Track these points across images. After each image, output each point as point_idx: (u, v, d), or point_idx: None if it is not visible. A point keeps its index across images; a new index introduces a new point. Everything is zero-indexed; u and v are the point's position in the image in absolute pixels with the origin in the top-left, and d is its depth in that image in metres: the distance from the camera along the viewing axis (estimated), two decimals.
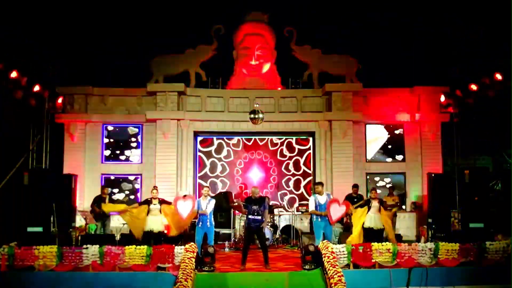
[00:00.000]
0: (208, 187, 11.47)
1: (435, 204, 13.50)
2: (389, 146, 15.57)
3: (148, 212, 10.84)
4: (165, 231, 11.10)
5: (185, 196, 11.73)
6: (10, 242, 9.83)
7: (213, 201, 10.80)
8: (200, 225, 10.64)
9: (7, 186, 12.16)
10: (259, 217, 10.31)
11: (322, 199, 10.66)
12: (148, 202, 11.02)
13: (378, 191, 12.19)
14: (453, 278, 9.48)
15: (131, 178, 15.26)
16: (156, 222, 10.88)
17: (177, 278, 8.95)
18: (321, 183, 11.21)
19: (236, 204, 13.88)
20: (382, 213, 11.17)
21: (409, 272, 9.48)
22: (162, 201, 11.02)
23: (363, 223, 11.07)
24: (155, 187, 11.33)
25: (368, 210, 11.18)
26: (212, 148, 15.87)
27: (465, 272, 9.59)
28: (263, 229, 10.61)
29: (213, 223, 10.86)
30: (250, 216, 10.34)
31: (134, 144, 15.34)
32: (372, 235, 10.95)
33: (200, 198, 10.86)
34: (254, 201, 10.38)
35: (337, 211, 10.62)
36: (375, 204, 11.21)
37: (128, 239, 10.81)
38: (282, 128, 15.40)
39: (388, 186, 14.86)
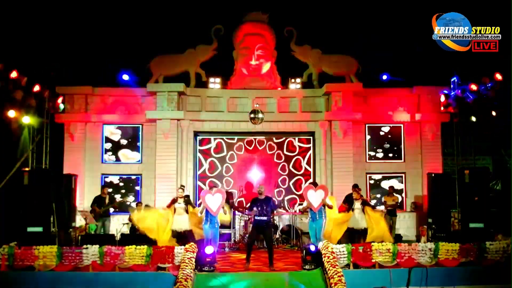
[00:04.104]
0: (216, 186, 11.40)
1: (435, 204, 13.50)
2: (389, 146, 15.55)
3: (174, 211, 10.92)
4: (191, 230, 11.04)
5: (211, 188, 11.35)
6: (10, 242, 9.84)
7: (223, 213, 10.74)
8: (208, 225, 10.61)
9: (7, 186, 12.17)
10: (265, 218, 10.34)
11: None
12: (174, 201, 11.10)
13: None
14: (453, 278, 9.49)
15: (131, 178, 15.26)
16: (182, 221, 10.87)
17: (177, 278, 8.96)
18: (315, 184, 11.26)
19: (238, 205, 13.93)
20: (371, 214, 11.09)
21: (409, 272, 9.49)
22: (187, 201, 11.11)
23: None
24: (181, 187, 11.42)
25: (352, 211, 11.14)
26: (211, 147, 15.88)
27: (465, 272, 9.60)
28: (270, 228, 10.62)
29: (219, 223, 10.86)
30: (257, 217, 10.36)
31: (134, 144, 15.32)
32: (353, 235, 10.95)
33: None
34: (261, 202, 10.40)
35: (315, 197, 10.56)
36: (358, 205, 11.15)
37: (128, 239, 10.83)
38: (282, 128, 15.41)
39: (388, 186, 14.86)
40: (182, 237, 10.70)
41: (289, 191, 15.68)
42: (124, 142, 15.32)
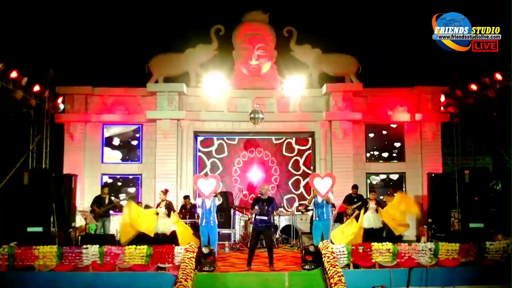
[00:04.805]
0: None
1: (435, 204, 13.49)
2: (389, 146, 15.55)
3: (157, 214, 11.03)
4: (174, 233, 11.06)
5: (207, 175, 11.53)
6: (10, 242, 9.84)
7: (217, 199, 10.73)
8: (204, 224, 10.58)
9: (7, 186, 12.16)
10: (266, 218, 10.30)
11: (320, 198, 10.80)
12: (158, 205, 11.31)
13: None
14: (453, 278, 9.51)
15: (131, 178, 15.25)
16: (164, 224, 10.88)
17: (177, 278, 8.97)
18: None
19: (238, 205, 13.94)
20: (387, 209, 11.22)
21: (409, 272, 9.50)
22: (168, 205, 11.08)
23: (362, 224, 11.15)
24: (161, 191, 11.42)
25: (366, 211, 11.24)
26: (213, 148, 15.96)
27: (465, 272, 9.61)
28: (270, 229, 10.60)
29: (216, 222, 10.83)
30: (257, 217, 10.32)
31: (134, 144, 15.31)
32: (373, 235, 10.99)
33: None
34: (263, 201, 10.37)
35: (323, 185, 10.62)
36: (372, 205, 11.28)
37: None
38: (282, 128, 15.40)
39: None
40: (164, 241, 10.63)
41: (302, 197, 15.73)
42: (124, 142, 15.30)
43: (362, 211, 11.32)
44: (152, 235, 10.78)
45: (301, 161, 16.05)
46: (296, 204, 15.22)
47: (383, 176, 15.46)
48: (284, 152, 16.11)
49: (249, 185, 15.70)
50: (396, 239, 10.95)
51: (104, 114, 15.13)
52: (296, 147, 16.15)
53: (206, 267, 9.80)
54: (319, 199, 10.69)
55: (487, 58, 11.79)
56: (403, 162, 15.45)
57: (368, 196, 11.74)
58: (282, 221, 14.20)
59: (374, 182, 15.37)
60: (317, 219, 10.75)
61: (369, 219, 11.18)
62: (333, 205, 13.09)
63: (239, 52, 15.58)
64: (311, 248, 10.00)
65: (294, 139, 16.09)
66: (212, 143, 15.97)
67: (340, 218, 13.15)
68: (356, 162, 15.22)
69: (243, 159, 16.02)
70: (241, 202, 15.01)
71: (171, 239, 10.86)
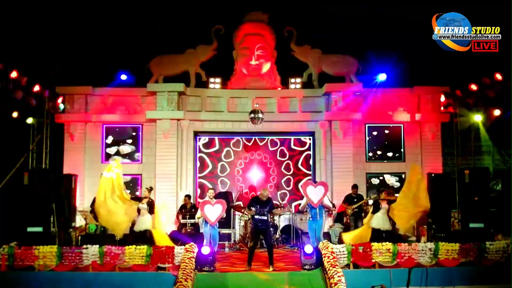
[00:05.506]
0: (213, 189, 11.39)
1: (435, 204, 13.46)
2: (389, 146, 15.55)
3: (139, 213, 10.74)
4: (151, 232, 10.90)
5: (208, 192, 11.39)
6: (10, 242, 9.84)
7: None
8: (208, 227, 10.62)
9: (7, 186, 12.16)
10: (265, 218, 10.34)
11: None
12: (139, 200, 10.98)
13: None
14: (453, 278, 9.50)
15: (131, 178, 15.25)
16: (144, 221, 10.74)
17: (177, 278, 8.97)
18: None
19: (237, 205, 13.92)
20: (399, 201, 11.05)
21: (409, 272, 9.49)
22: (150, 203, 10.83)
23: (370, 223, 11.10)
24: (147, 188, 11.28)
25: (377, 211, 11.06)
26: (215, 149, 15.93)
27: (465, 272, 9.61)
28: (270, 229, 10.62)
29: (217, 224, 10.86)
30: (256, 217, 10.36)
31: (134, 144, 15.31)
32: (380, 236, 10.92)
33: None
34: (261, 202, 10.40)
35: (315, 193, 10.63)
36: (384, 205, 11.13)
37: (128, 239, 10.78)
38: (282, 128, 15.41)
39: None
40: (141, 237, 10.46)
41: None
42: (123, 142, 15.30)
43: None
44: (120, 235, 10.43)
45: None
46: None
47: (387, 177, 15.42)
48: (292, 146, 15.96)
49: (250, 187, 15.66)
50: (396, 239, 10.92)
51: (104, 114, 15.15)
52: (308, 141, 15.87)
53: (206, 267, 9.80)
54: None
55: (487, 58, 11.78)
56: (403, 162, 15.45)
57: (380, 196, 11.48)
58: (282, 221, 14.20)
59: (389, 183, 15.24)
60: (311, 219, 10.80)
61: (378, 219, 10.99)
62: (333, 205, 13.12)
63: (239, 52, 15.60)
64: (307, 249, 9.95)
65: (284, 145, 15.94)
66: (222, 150, 15.78)
67: (340, 218, 13.14)
68: (356, 162, 15.22)
69: (245, 161, 15.93)
70: (240, 200, 14.96)
71: (144, 236, 10.58)
